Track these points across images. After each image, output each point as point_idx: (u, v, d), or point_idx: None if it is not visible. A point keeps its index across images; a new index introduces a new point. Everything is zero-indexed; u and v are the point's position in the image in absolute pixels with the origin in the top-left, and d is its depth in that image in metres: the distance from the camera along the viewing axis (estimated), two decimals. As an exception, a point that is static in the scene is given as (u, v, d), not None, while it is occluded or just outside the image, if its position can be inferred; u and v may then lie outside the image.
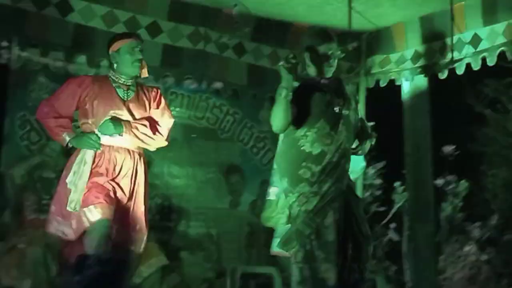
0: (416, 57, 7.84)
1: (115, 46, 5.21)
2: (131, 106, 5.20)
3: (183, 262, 7.68)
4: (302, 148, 5.35)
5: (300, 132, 5.31)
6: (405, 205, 8.36)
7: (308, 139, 5.33)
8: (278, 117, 5.18)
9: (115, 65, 5.21)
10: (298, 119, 5.36)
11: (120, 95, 5.19)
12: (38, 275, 6.55)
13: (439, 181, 9.09)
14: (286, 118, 5.18)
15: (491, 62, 7.12)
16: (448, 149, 9.32)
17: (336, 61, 5.38)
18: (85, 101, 5.14)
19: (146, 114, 5.24)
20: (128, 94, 5.22)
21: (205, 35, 7.23)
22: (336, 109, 5.36)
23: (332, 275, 5.23)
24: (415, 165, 8.15)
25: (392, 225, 8.99)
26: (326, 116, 5.35)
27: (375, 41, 8.10)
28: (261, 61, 7.85)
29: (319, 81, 5.41)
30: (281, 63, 4.95)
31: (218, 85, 7.85)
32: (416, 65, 7.83)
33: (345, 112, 5.38)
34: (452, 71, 7.18)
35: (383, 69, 8.12)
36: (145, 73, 5.33)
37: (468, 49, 7.20)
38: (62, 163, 5.45)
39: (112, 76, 5.22)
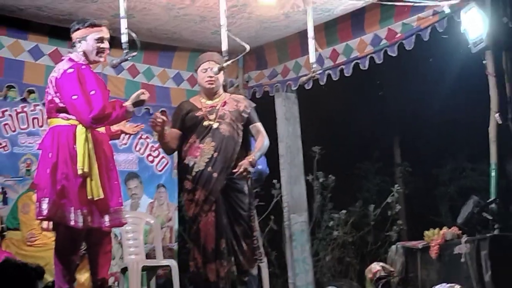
0: (285, 71, 8.22)
1: None
2: None
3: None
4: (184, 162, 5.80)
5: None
6: (282, 199, 8.53)
7: (184, 155, 5.78)
8: (164, 149, 5.97)
9: None
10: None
11: None
12: None
13: (310, 177, 9.29)
14: (168, 149, 5.83)
15: (347, 73, 7.61)
16: (316, 149, 9.51)
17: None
18: None
19: None
20: None
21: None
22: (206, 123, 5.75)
23: (211, 273, 5.59)
24: (289, 164, 8.43)
25: (272, 217, 9.17)
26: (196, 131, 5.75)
27: (251, 59, 8.38)
28: (152, 80, 8.09)
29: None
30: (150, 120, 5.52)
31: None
32: (286, 78, 8.21)
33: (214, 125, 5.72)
34: (315, 82, 7.37)
35: (258, 82, 8.51)
36: None
37: (329, 63, 7.66)
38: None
39: None
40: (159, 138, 5.79)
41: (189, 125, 5.78)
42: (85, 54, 5.18)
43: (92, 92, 4.98)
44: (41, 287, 3.07)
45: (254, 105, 5.99)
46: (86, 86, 5.00)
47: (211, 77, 5.77)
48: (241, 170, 5.50)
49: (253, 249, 5.78)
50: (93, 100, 4.96)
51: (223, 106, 5.81)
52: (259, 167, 7.46)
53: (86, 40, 5.17)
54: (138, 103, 5.15)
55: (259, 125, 5.90)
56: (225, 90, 6.03)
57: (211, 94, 5.86)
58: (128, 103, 5.09)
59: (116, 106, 5.02)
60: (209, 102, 5.84)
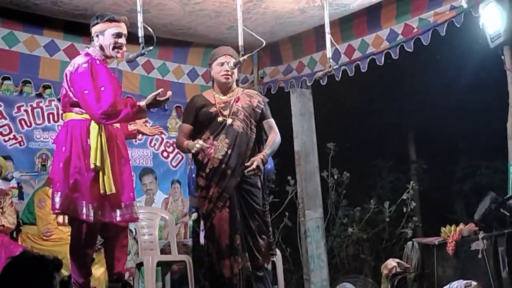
0: (300, 67, 8.19)
1: None
2: None
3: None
4: (198, 159, 5.75)
5: None
6: (297, 195, 8.53)
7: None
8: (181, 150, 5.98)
9: None
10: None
11: None
12: None
13: (325, 173, 9.25)
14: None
15: (363, 69, 7.59)
16: (331, 145, 9.47)
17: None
18: None
19: None
20: None
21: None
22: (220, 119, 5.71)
23: (226, 269, 5.54)
24: (304, 160, 8.40)
25: (287, 213, 9.13)
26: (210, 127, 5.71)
27: (265, 54, 8.37)
28: (167, 76, 8.09)
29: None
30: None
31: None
32: (301, 73, 8.18)
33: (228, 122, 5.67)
34: (331, 78, 7.32)
35: (273, 78, 8.49)
36: None
37: (344, 58, 7.60)
38: None
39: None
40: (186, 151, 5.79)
41: (203, 121, 5.73)
42: (101, 48, 5.16)
43: (103, 88, 4.95)
44: (58, 279, 3.05)
45: (267, 100, 5.95)
46: (98, 82, 4.97)
47: (227, 71, 5.72)
48: (253, 166, 5.46)
49: (269, 244, 5.75)
50: (103, 96, 4.91)
51: (237, 102, 5.77)
52: (269, 167, 7.47)
53: (103, 35, 5.15)
54: (154, 103, 5.08)
55: (271, 121, 5.85)
56: (237, 85, 6.00)
57: (225, 88, 5.81)
58: (142, 103, 5.04)
59: (128, 104, 4.97)
60: (223, 97, 5.79)
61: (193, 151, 5.53)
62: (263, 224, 5.73)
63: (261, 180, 5.81)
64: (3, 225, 6.40)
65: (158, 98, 5.05)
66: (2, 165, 6.62)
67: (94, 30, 5.18)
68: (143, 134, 5.77)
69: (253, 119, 5.75)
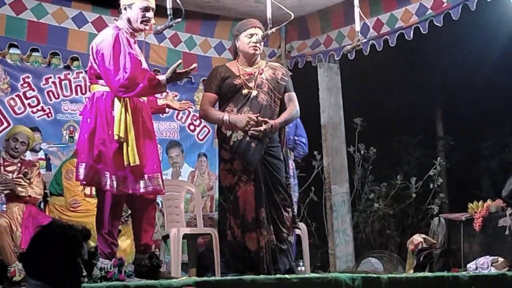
0: (328, 41, 8.12)
1: None
2: None
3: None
4: (221, 131, 5.78)
5: None
6: (323, 170, 8.52)
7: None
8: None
9: None
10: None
11: None
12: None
13: (351, 149, 9.25)
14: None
15: (392, 43, 7.53)
16: (358, 120, 9.47)
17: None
18: None
19: None
20: None
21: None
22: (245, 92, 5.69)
23: (251, 242, 5.56)
24: (330, 135, 8.38)
25: (313, 188, 9.15)
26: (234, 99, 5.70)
27: (293, 28, 8.30)
28: (194, 49, 8.06)
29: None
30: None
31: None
32: (328, 48, 8.11)
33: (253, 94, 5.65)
34: (358, 52, 7.37)
35: (300, 52, 8.42)
36: None
37: (373, 33, 7.47)
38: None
39: None
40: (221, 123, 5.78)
41: (226, 92, 5.73)
42: (129, 21, 5.16)
43: (123, 61, 4.96)
44: (87, 249, 3.07)
45: (290, 73, 5.93)
46: (120, 55, 4.98)
47: (256, 42, 5.71)
48: (260, 128, 5.46)
49: (293, 217, 5.77)
50: (122, 69, 4.94)
51: (260, 74, 5.75)
52: (303, 140, 7.46)
53: (131, 8, 5.14)
54: (174, 77, 5.09)
55: (292, 94, 5.82)
56: (261, 58, 5.97)
57: (251, 60, 5.79)
58: (162, 77, 5.05)
59: (146, 77, 4.97)
60: (248, 69, 5.77)
61: (242, 126, 5.52)
62: (287, 197, 5.74)
63: (283, 152, 5.81)
64: (29, 196, 6.44)
65: (178, 71, 5.05)
66: (30, 136, 6.65)
67: (122, 2, 5.18)
68: (173, 108, 5.79)
69: (277, 92, 5.74)
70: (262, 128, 5.48)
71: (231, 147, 5.64)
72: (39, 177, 6.67)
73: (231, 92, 5.70)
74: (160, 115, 7.85)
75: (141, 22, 5.16)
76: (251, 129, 5.49)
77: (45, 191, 7.02)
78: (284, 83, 5.78)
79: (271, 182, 5.65)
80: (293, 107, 5.75)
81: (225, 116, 5.59)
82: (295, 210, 5.90)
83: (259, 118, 5.54)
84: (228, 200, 5.71)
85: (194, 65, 5.13)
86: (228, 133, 5.65)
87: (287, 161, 5.95)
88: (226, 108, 5.68)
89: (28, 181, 6.52)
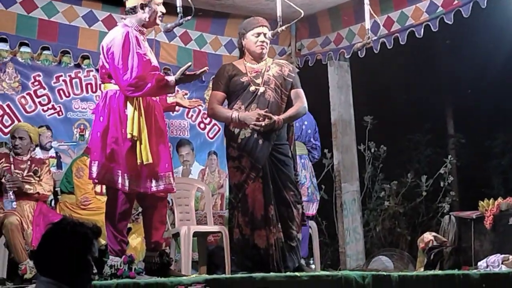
0: (338, 39, 8.10)
1: None
2: None
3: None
4: (229, 128, 5.76)
5: None
6: (334, 168, 8.51)
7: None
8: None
9: None
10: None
11: None
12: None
13: (362, 147, 9.26)
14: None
15: (402, 41, 7.51)
16: (368, 118, 9.48)
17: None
18: None
19: None
20: None
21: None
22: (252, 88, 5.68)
23: (261, 240, 5.54)
24: (341, 133, 8.38)
25: (323, 186, 9.13)
26: (242, 96, 5.68)
27: (303, 26, 8.29)
28: (204, 48, 8.05)
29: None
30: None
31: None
32: (339, 46, 8.10)
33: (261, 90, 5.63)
34: (369, 50, 7.41)
35: (311, 50, 8.40)
36: None
37: (383, 31, 7.50)
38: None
39: None
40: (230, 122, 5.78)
41: (234, 90, 5.72)
42: (141, 19, 5.18)
43: (133, 60, 4.97)
44: (97, 246, 3.08)
45: (297, 70, 5.93)
46: (129, 54, 4.99)
47: (263, 42, 5.71)
48: (260, 123, 5.47)
49: (302, 214, 5.76)
50: (131, 68, 4.95)
51: (267, 71, 5.75)
52: (319, 144, 7.50)
53: (150, 6, 5.17)
54: (184, 79, 5.10)
55: (300, 91, 5.81)
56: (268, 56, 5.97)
57: (258, 58, 5.80)
58: (171, 78, 5.07)
59: (154, 78, 4.98)
60: (254, 67, 5.77)
61: (252, 122, 5.52)
62: (297, 193, 5.73)
63: (291, 149, 5.81)
64: (38, 193, 6.47)
65: (187, 73, 5.06)
66: (29, 130, 6.62)
67: (137, 2, 5.17)
68: (182, 106, 5.79)
69: (284, 88, 5.73)
70: (263, 123, 5.47)
71: (239, 145, 5.64)
72: (49, 174, 6.69)
73: (238, 89, 5.70)
74: (170, 113, 7.89)
75: (158, 18, 5.20)
76: (252, 123, 5.49)
77: (56, 189, 7.05)
78: (291, 80, 5.77)
79: (280, 179, 5.64)
80: (300, 103, 5.74)
81: (234, 114, 5.59)
82: (304, 207, 5.90)
83: (268, 114, 5.53)
84: (237, 198, 5.71)
85: (205, 68, 5.14)
86: (236, 130, 5.65)
87: (295, 158, 5.94)
88: (234, 105, 5.68)
89: (38, 178, 6.55)
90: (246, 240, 5.63)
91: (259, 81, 5.69)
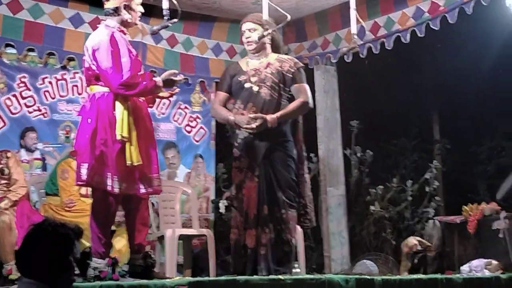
0: (325, 43, 8.14)
1: None
2: None
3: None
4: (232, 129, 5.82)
5: None
6: (319, 172, 8.52)
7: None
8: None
9: None
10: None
11: None
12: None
13: (348, 151, 9.22)
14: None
15: (389, 46, 7.54)
16: (354, 123, 9.42)
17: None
18: None
19: None
20: None
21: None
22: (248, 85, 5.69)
23: (250, 239, 5.57)
24: (327, 137, 8.41)
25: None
26: (240, 95, 5.72)
27: (290, 30, 8.31)
28: (191, 51, 8.04)
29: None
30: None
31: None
32: (325, 50, 8.13)
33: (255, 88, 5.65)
34: (355, 55, 7.43)
35: (297, 54, 8.35)
36: None
37: (370, 36, 7.52)
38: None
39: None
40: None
41: (235, 90, 5.78)
42: (123, 19, 5.21)
43: (124, 59, 5.00)
44: (79, 247, 3.08)
45: (300, 65, 5.89)
46: (119, 53, 5.01)
47: (247, 38, 5.76)
48: (251, 125, 5.46)
49: (298, 216, 5.76)
50: (124, 67, 4.98)
51: (266, 68, 5.75)
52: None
53: (131, 7, 5.24)
54: (168, 82, 5.16)
55: (301, 86, 5.78)
56: (273, 51, 5.94)
57: (254, 55, 5.84)
58: (158, 79, 5.11)
59: (146, 77, 5.03)
60: (255, 64, 5.79)
61: (243, 126, 5.55)
62: (294, 195, 5.70)
63: (297, 149, 5.80)
64: (15, 201, 6.43)
65: (172, 78, 5.11)
66: None
67: (118, 3, 5.18)
68: (161, 98, 5.83)
69: (283, 84, 5.72)
70: (254, 125, 5.47)
71: (239, 145, 5.69)
72: (17, 166, 6.65)
73: (238, 89, 5.76)
74: (157, 116, 7.91)
75: (138, 18, 5.24)
76: (244, 126, 5.50)
77: (41, 190, 7.05)
78: (291, 75, 5.75)
79: (276, 179, 5.62)
80: (302, 99, 5.72)
81: (231, 117, 5.62)
82: (302, 208, 5.89)
83: (258, 115, 5.53)
84: (237, 198, 5.74)
85: (183, 77, 5.28)
86: (237, 131, 5.68)
87: (302, 158, 5.91)
88: (235, 105, 5.73)
89: (7, 180, 6.48)
90: (238, 240, 5.67)
91: (255, 79, 5.71)
